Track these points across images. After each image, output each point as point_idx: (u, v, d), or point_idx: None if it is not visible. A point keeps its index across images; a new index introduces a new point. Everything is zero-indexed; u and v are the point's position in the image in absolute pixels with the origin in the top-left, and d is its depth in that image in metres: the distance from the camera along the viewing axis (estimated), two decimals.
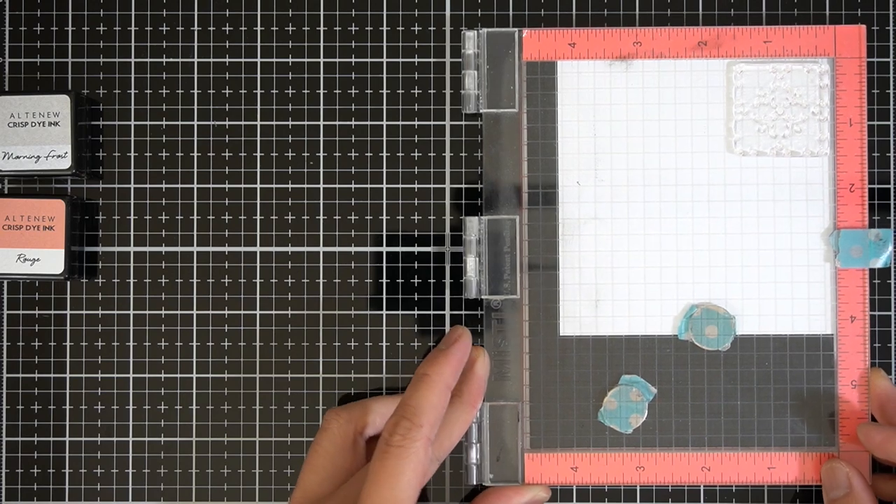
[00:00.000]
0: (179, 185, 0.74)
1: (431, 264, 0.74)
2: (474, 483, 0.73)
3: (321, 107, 0.74)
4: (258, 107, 0.74)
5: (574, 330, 0.73)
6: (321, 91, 0.74)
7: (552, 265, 0.73)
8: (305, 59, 0.74)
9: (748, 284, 0.73)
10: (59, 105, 0.71)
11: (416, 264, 0.74)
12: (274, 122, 0.74)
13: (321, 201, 0.74)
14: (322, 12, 0.74)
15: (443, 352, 0.68)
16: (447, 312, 0.74)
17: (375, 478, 0.62)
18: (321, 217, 0.74)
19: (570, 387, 0.73)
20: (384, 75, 0.74)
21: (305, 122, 0.74)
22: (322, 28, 0.74)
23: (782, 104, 0.73)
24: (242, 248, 0.74)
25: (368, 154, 0.74)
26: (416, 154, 0.74)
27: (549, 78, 0.73)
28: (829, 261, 0.73)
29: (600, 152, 0.73)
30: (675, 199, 0.73)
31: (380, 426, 0.69)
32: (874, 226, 0.73)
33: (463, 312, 0.74)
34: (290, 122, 0.74)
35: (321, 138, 0.74)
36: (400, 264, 0.74)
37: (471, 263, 0.72)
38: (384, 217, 0.74)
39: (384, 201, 0.74)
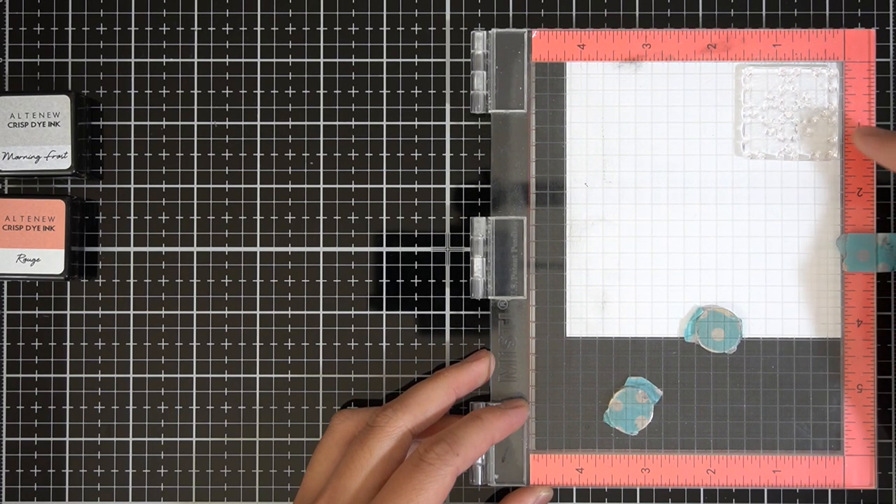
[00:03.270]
0: (179, 185, 0.74)
1: (431, 264, 0.74)
2: (479, 483, 0.72)
3: (321, 107, 0.74)
4: (258, 107, 0.74)
5: (580, 331, 0.73)
6: (321, 91, 0.74)
7: (559, 266, 0.73)
8: (305, 59, 0.74)
9: (755, 287, 0.73)
10: (59, 105, 0.71)
11: (416, 264, 0.74)
12: (274, 122, 0.74)
13: (321, 201, 0.74)
14: (322, 12, 0.74)
15: (503, 410, 0.70)
16: (447, 312, 0.74)
17: (398, 486, 0.63)
18: (321, 217, 0.74)
19: (576, 388, 0.73)
20: (384, 75, 0.74)
21: (305, 122, 0.74)
22: (322, 28, 0.74)
23: (791, 108, 0.72)
24: (242, 248, 0.74)
25: (368, 154, 0.74)
26: (416, 154, 0.74)
27: (558, 79, 0.73)
28: (837, 265, 0.72)
29: (608, 154, 0.73)
30: (682, 202, 0.73)
31: None
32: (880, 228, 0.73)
33: (463, 312, 0.74)
34: (290, 123, 0.74)
35: (321, 138, 0.74)
36: (400, 264, 0.74)
37: (478, 264, 0.72)
38: (384, 217, 0.74)
39: (384, 201, 0.74)
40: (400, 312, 0.74)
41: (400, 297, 0.74)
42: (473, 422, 0.67)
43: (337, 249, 0.74)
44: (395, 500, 0.63)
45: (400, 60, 0.74)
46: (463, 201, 0.74)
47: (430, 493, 0.63)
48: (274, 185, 0.74)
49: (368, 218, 0.74)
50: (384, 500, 0.63)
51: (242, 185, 0.74)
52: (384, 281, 0.74)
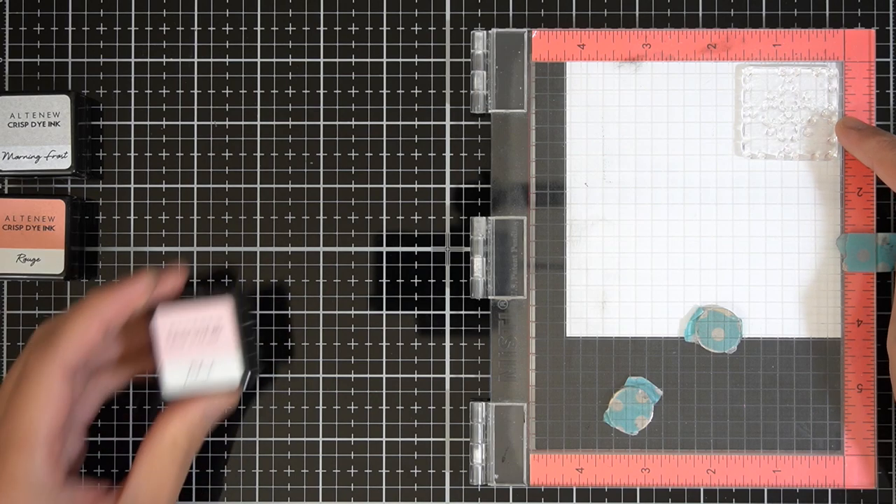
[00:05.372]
0: (179, 185, 0.74)
1: (431, 264, 0.74)
2: (479, 483, 0.72)
3: (321, 107, 0.74)
4: (258, 107, 0.74)
5: (580, 331, 0.73)
6: (321, 91, 0.74)
7: (559, 266, 0.73)
8: (305, 59, 0.74)
9: (755, 287, 0.73)
10: (59, 105, 0.71)
11: (416, 264, 0.74)
12: (274, 122, 0.74)
13: (321, 201, 0.74)
14: (322, 12, 0.74)
15: (114, 287, 0.65)
16: (447, 312, 0.74)
17: (10, 405, 0.62)
18: (321, 217, 0.74)
19: (576, 388, 0.73)
20: (384, 75, 0.74)
21: (305, 122, 0.74)
22: (322, 28, 0.74)
23: (791, 107, 0.72)
24: (242, 248, 0.74)
25: (368, 154, 0.74)
26: (416, 154, 0.74)
27: (558, 79, 0.73)
28: (837, 265, 0.72)
29: (608, 154, 0.73)
30: (682, 202, 0.73)
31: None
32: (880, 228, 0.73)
33: (463, 312, 0.74)
34: (290, 122, 0.74)
35: (321, 138, 0.74)
36: (400, 264, 0.74)
37: (478, 264, 0.72)
38: (384, 217, 0.74)
39: (384, 201, 0.74)
40: (400, 312, 0.74)
41: (400, 297, 0.74)
42: (77, 308, 0.64)
43: (337, 249, 0.74)
44: (9, 423, 0.61)
45: (400, 60, 0.74)
46: (463, 201, 0.74)
47: (41, 404, 0.61)
48: (274, 185, 0.74)
49: (368, 218, 0.74)
50: (2, 424, 0.61)
51: (242, 185, 0.74)
52: (384, 281, 0.74)
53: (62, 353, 0.62)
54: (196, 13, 0.74)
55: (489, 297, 0.72)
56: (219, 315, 0.67)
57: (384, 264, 0.74)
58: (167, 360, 0.67)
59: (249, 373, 0.68)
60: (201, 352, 0.67)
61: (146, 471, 0.65)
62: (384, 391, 0.74)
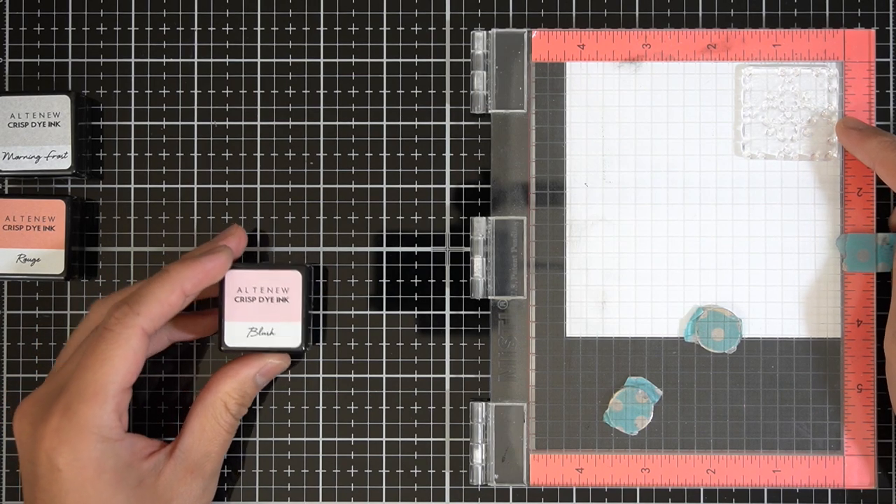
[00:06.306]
0: (179, 186, 0.74)
1: (431, 264, 0.74)
2: (479, 483, 0.72)
3: (321, 107, 0.74)
4: (258, 107, 0.74)
5: (580, 331, 0.73)
6: (321, 91, 0.74)
7: (559, 266, 0.73)
8: (305, 60, 0.74)
9: (755, 287, 0.73)
10: (59, 105, 0.71)
11: (416, 264, 0.74)
12: (274, 123, 0.74)
13: (321, 201, 0.74)
14: (322, 12, 0.74)
15: (194, 258, 0.67)
16: (447, 312, 0.74)
17: (84, 360, 0.64)
18: (321, 217, 0.74)
19: (576, 388, 0.73)
20: (384, 75, 0.74)
21: (305, 123, 0.74)
22: (322, 28, 0.74)
23: (791, 108, 0.72)
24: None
25: (368, 154, 0.74)
26: (416, 154, 0.74)
27: (558, 79, 0.73)
28: (837, 265, 0.72)
29: (608, 154, 0.73)
30: (682, 202, 0.73)
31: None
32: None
33: (463, 312, 0.74)
34: (290, 123, 0.74)
35: (321, 138, 0.74)
36: (400, 264, 0.74)
37: (478, 264, 0.72)
38: (384, 217, 0.74)
39: (384, 201, 0.74)
40: (400, 312, 0.74)
41: (400, 297, 0.74)
42: (158, 276, 0.66)
43: (337, 249, 0.74)
44: (82, 376, 0.63)
45: (400, 60, 0.74)
46: (463, 201, 0.74)
47: (117, 360, 0.63)
48: (274, 185, 0.74)
49: (368, 218, 0.74)
50: (72, 379, 0.64)
51: (242, 185, 0.74)
52: (384, 281, 0.74)
53: (145, 315, 0.64)
54: (196, 13, 0.74)
55: (489, 297, 0.72)
56: (288, 283, 0.70)
57: (384, 264, 0.74)
58: (230, 316, 0.70)
59: (306, 347, 0.70)
60: (266, 316, 0.70)
61: (198, 428, 0.69)
62: (384, 391, 0.74)
